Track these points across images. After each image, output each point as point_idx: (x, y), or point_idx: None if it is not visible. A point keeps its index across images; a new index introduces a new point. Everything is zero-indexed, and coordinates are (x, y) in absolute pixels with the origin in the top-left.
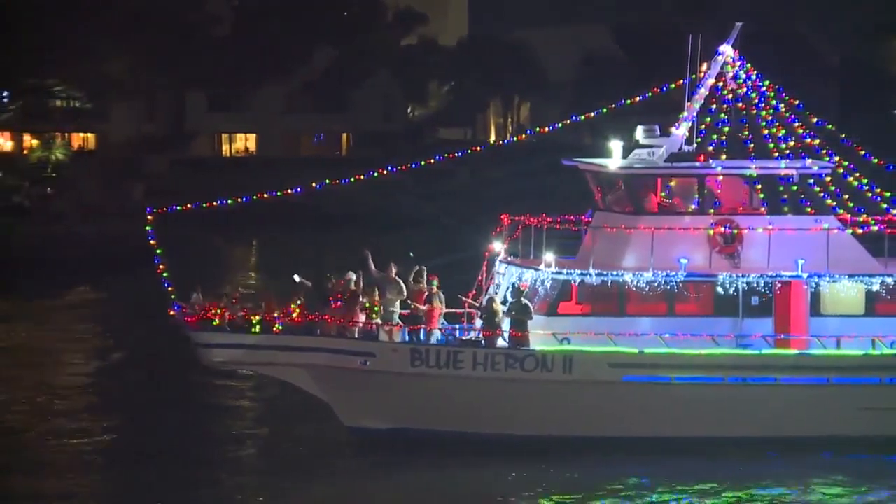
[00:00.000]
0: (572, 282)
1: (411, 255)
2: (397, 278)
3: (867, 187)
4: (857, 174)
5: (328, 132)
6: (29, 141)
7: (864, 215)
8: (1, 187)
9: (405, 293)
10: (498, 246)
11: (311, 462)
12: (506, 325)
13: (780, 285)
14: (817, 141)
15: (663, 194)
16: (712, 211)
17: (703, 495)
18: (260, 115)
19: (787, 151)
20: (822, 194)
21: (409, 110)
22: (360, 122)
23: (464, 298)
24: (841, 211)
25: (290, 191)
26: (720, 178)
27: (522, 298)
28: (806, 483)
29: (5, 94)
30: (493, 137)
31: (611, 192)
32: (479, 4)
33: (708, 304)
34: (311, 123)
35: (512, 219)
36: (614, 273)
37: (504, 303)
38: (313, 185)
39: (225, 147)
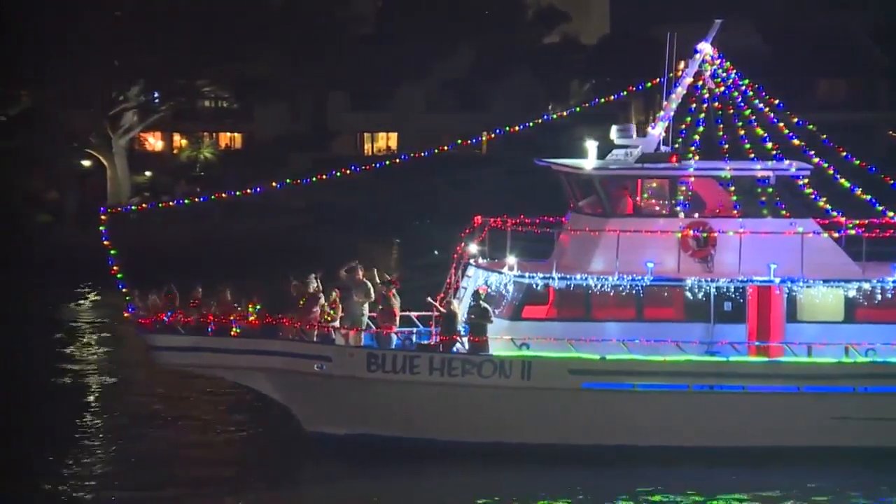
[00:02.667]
0: (534, 285)
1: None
2: (365, 280)
3: (851, 189)
4: (838, 176)
5: (468, 131)
6: (179, 140)
7: (843, 218)
8: (153, 186)
9: (373, 296)
10: (474, 248)
11: (270, 467)
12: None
13: (754, 290)
14: (797, 142)
15: (646, 195)
16: (683, 214)
17: None
18: (401, 114)
19: (776, 153)
20: (811, 195)
21: (549, 109)
22: (501, 120)
23: (431, 301)
24: (834, 212)
25: (248, 191)
26: (692, 179)
27: (482, 302)
28: (771, 497)
29: (156, 95)
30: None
31: (584, 194)
32: (622, 1)
33: (678, 309)
34: (452, 122)
35: (484, 220)
36: (577, 277)
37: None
38: (273, 184)
39: (367, 146)
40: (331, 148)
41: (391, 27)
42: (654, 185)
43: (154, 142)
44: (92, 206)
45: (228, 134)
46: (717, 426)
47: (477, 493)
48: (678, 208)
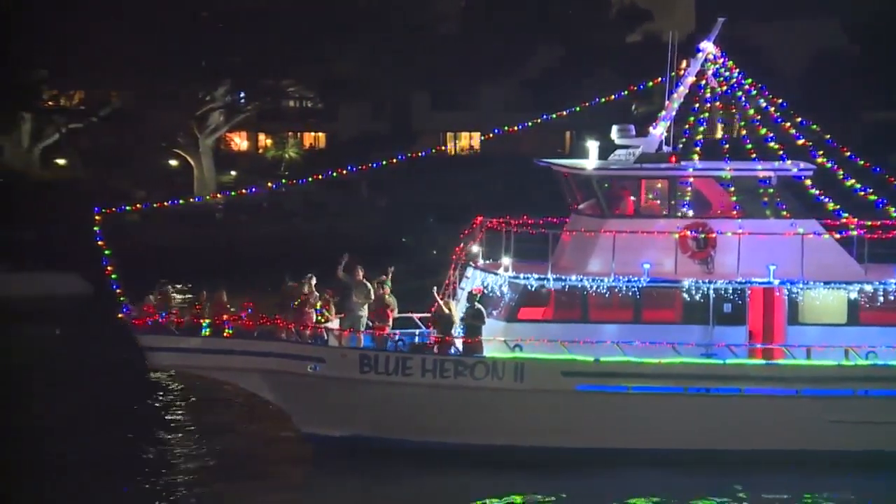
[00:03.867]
0: (529, 287)
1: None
2: (365, 281)
3: (857, 190)
4: (841, 176)
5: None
6: (264, 140)
7: (854, 219)
8: (238, 185)
9: (373, 296)
10: (475, 248)
11: (265, 470)
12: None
13: (754, 292)
14: (801, 142)
15: (651, 196)
16: (680, 214)
17: None
18: (483, 114)
19: (782, 153)
20: (815, 196)
21: (632, 108)
22: (582, 121)
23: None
24: (847, 213)
25: (244, 191)
26: (691, 180)
27: (476, 303)
28: (764, 501)
29: (242, 95)
30: (719, 134)
31: (585, 195)
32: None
33: (676, 311)
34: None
35: (486, 221)
36: (573, 278)
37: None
38: (269, 185)
39: (449, 145)
40: (414, 147)
41: (475, 27)
42: (659, 185)
43: (239, 141)
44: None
45: (312, 133)
46: (712, 429)
47: (470, 495)
48: (677, 209)
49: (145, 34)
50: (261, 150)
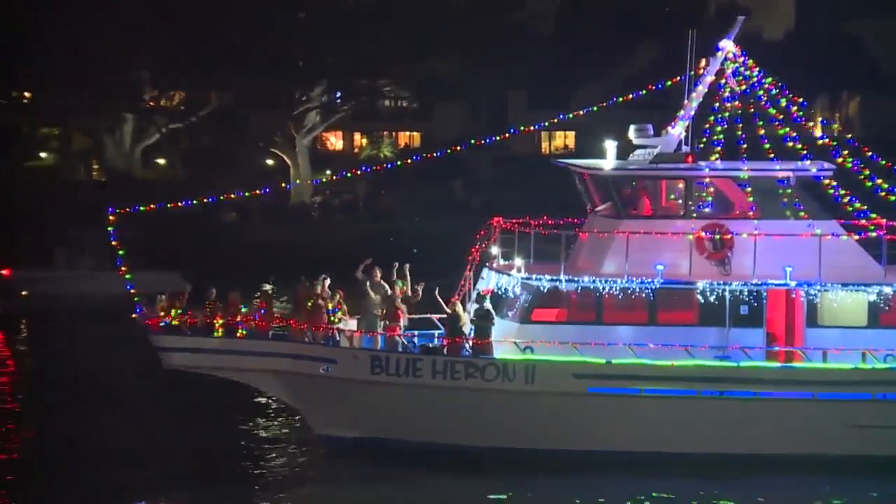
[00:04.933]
0: (541, 288)
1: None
2: (381, 282)
3: (878, 190)
4: (862, 177)
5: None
6: (359, 140)
7: (868, 220)
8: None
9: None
10: (494, 249)
11: (277, 470)
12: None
13: (771, 294)
14: (821, 142)
15: (672, 197)
16: (695, 215)
17: None
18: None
19: (806, 152)
20: (837, 196)
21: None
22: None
23: (439, 298)
24: (870, 212)
25: (258, 192)
26: (707, 180)
27: (485, 304)
28: None
29: (338, 95)
30: (818, 132)
31: (602, 195)
32: None
33: (692, 313)
34: (630, 120)
35: (508, 222)
36: (585, 279)
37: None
38: (283, 185)
39: (545, 144)
40: (510, 147)
41: (571, 26)
42: (681, 185)
43: (335, 141)
44: (275, 204)
45: (407, 133)
46: (726, 433)
47: (480, 498)
48: (694, 210)
49: (245, 36)
50: (356, 150)
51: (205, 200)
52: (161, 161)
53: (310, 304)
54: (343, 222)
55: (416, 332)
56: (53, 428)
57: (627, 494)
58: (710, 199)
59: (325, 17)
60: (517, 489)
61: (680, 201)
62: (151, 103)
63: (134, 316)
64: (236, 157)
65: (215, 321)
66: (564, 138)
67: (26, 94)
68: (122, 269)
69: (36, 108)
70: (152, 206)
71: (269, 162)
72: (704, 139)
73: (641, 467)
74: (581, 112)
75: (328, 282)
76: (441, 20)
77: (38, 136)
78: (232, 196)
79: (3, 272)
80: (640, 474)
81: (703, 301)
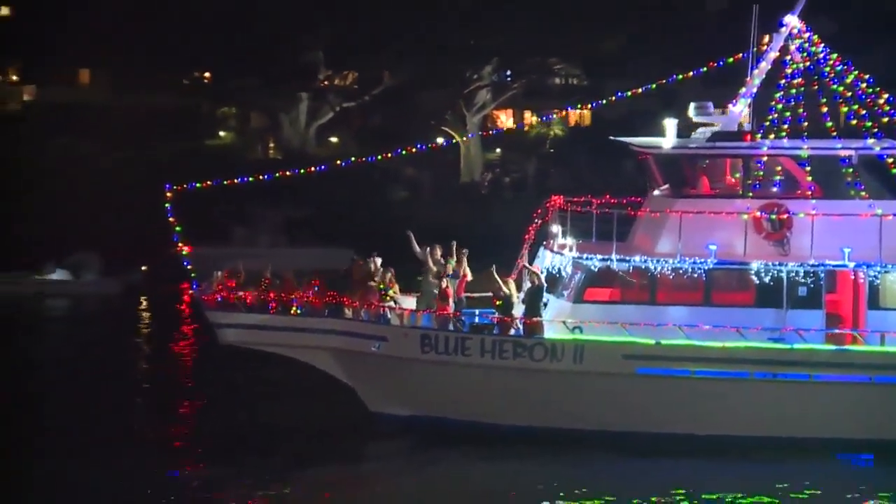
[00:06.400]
0: (592, 267)
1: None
2: (441, 259)
3: None
4: None
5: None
6: (529, 118)
7: None
8: (503, 163)
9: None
10: (555, 228)
11: (330, 447)
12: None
13: (831, 275)
14: (886, 119)
15: (738, 175)
16: (752, 195)
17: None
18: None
19: (876, 130)
20: None
21: None
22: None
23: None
24: None
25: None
26: (765, 159)
27: (533, 282)
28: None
29: (509, 73)
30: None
31: (662, 174)
32: None
33: (748, 293)
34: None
35: (568, 201)
36: (637, 259)
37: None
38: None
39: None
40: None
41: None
42: (751, 164)
43: (505, 119)
44: (446, 182)
45: (577, 111)
46: (778, 416)
47: (525, 478)
48: (751, 189)
49: (417, 12)
50: (526, 128)
51: (261, 177)
52: (334, 139)
53: (361, 281)
54: (513, 200)
55: (477, 312)
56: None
57: (673, 476)
58: (768, 178)
59: None
60: (561, 471)
61: (738, 180)
62: (325, 83)
63: (190, 292)
64: (407, 135)
65: (270, 298)
66: None
67: (206, 75)
68: (179, 245)
69: (215, 88)
70: (208, 182)
71: (440, 140)
72: (771, 117)
73: (688, 450)
74: (640, 90)
75: (380, 260)
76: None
77: (217, 115)
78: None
79: (185, 248)
80: (687, 457)
81: (759, 282)
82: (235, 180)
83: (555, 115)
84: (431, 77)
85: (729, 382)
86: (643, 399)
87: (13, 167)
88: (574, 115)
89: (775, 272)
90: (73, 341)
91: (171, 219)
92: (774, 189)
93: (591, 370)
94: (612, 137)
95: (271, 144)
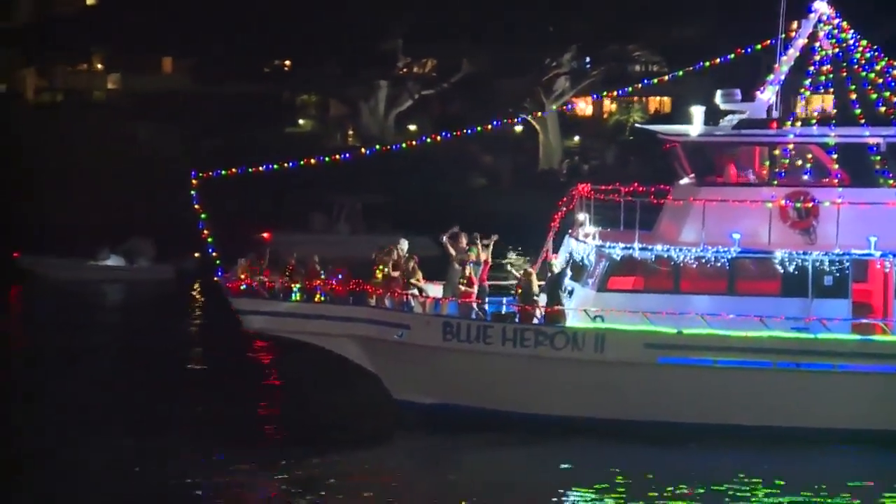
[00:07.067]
0: (615, 256)
1: None
2: (465, 247)
3: None
4: None
5: None
6: (608, 105)
7: None
8: (582, 150)
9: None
10: (581, 216)
11: (352, 435)
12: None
13: (857, 264)
14: None
15: (767, 163)
16: (776, 183)
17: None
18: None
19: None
20: None
21: None
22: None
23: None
24: None
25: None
26: (791, 147)
27: (552, 271)
28: (855, 483)
29: (588, 60)
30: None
31: (689, 162)
32: None
33: (773, 282)
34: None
35: (594, 189)
36: (659, 247)
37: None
38: (378, 147)
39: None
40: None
41: None
42: (777, 152)
43: (584, 107)
44: (524, 170)
45: (657, 98)
46: (801, 406)
47: (543, 466)
48: (776, 177)
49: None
50: (605, 116)
51: (286, 165)
52: (412, 127)
53: (384, 269)
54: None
55: (504, 300)
56: None
57: (694, 466)
58: (795, 166)
59: None
60: (581, 460)
61: (765, 168)
62: (404, 71)
63: (215, 279)
64: (486, 122)
65: (293, 285)
66: (822, 101)
67: (286, 62)
68: (205, 232)
69: (295, 76)
70: (234, 170)
71: (518, 128)
72: (802, 102)
73: (709, 440)
74: (666, 77)
75: (406, 246)
76: None
77: (297, 103)
78: (311, 161)
79: (264, 235)
80: (708, 447)
81: (784, 271)
82: (261, 167)
83: (630, 92)
84: (510, 64)
85: (751, 372)
86: (664, 389)
87: (96, 155)
88: (654, 101)
89: (800, 261)
90: (124, 328)
91: (196, 206)
92: (805, 177)
93: (613, 359)
94: (637, 125)
95: (350, 132)
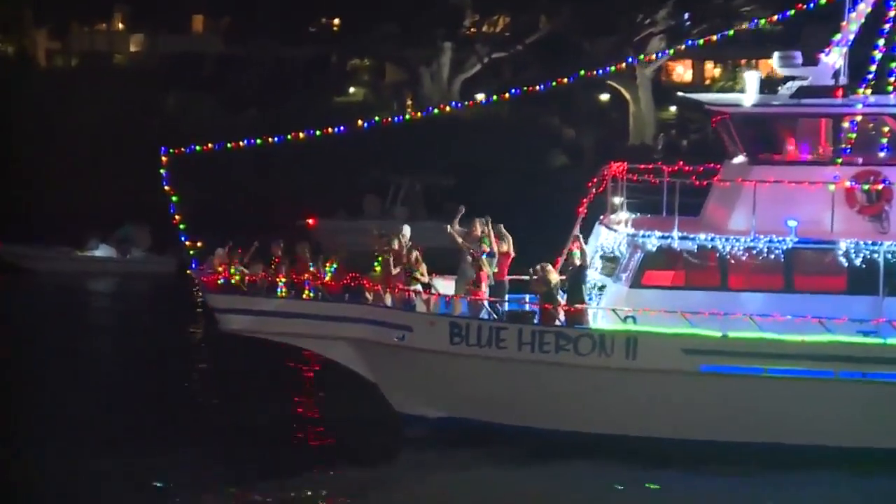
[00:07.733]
0: (650, 246)
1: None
2: (478, 236)
3: None
4: None
5: None
6: (711, 70)
7: None
8: (680, 123)
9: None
10: (617, 200)
11: (350, 451)
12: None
13: None
14: None
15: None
16: (840, 161)
17: None
18: None
19: None
20: None
21: None
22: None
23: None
24: None
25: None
26: (858, 118)
27: (574, 263)
28: None
29: (687, 17)
30: None
31: (742, 137)
32: None
33: (837, 278)
34: None
35: (632, 169)
36: (702, 237)
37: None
38: (361, 123)
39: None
40: None
41: None
42: (844, 125)
43: (682, 72)
44: (611, 145)
45: (768, 61)
46: (867, 423)
47: (567, 488)
48: (841, 154)
49: None
50: (707, 82)
51: (300, 135)
52: (480, 96)
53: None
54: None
55: (527, 297)
56: None
57: (736, 492)
58: (864, 140)
59: None
60: (610, 482)
61: (829, 144)
62: (472, 30)
63: (188, 272)
64: (567, 91)
65: (279, 280)
66: None
67: (335, 21)
68: (176, 217)
69: (346, 37)
70: (210, 144)
71: (604, 97)
72: (872, 67)
73: (758, 460)
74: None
75: (408, 233)
76: None
77: (347, 69)
78: (301, 135)
79: (309, 221)
80: (753, 471)
81: (849, 264)
82: (242, 143)
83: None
84: (596, 23)
85: (809, 383)
86: (707, 402)
87: (114, 128)
88: (766, 65)
89: (869, 252)
90: (104, 330)
91: (166, 187)
92: (881, 153)
93: (646, 367)
94: (680, 94)
95: (409, 102)
